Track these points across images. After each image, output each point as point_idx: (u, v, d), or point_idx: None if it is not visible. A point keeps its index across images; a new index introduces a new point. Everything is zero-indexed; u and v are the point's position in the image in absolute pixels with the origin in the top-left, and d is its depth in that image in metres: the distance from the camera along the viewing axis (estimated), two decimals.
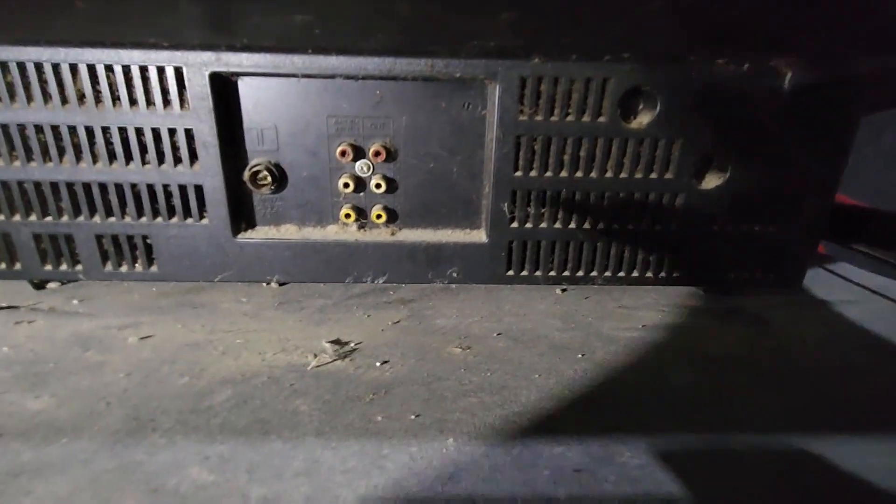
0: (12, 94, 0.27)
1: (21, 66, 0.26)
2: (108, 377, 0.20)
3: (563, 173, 0.30)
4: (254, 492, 0.14)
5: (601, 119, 0.29)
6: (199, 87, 0.27)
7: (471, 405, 0.19)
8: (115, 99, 0.27)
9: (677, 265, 0.33)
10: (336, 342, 0.26)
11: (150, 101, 0.27)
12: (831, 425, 0.18)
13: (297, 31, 0.24)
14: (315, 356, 0.24)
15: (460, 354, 0.24)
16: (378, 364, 0.23)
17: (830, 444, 0.17)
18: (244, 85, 0.28)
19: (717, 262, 0.33)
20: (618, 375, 0.22)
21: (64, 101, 0.27)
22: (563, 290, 0.35)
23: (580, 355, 0.24)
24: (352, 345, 0.25)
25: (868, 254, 0.37)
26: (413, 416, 0.18)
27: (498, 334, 0.27)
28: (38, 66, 0.26)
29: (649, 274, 0.34)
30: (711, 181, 0.31)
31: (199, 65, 0.26)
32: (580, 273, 0.33)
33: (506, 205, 0.31)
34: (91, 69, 0.26)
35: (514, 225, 0.31)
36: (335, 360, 0.24)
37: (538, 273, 0.33)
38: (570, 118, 0.29)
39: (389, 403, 0.19)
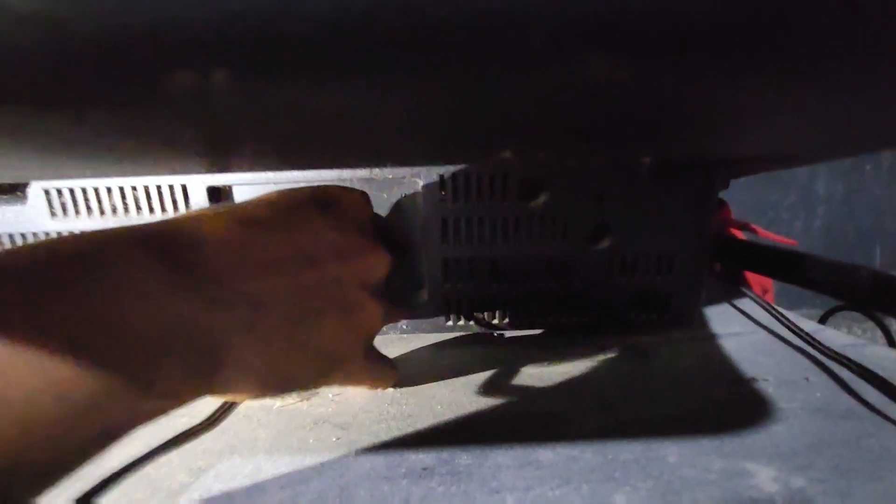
0: (66, 211, 0.37)
1: (71, 191, 0.36)
2: None
3: (483, 244, 0.38)
4: (214, 487, 0.22)
5: (505, 202, 0.37)
6: (199, 197, 0.36)
7: (379, 430, 0.27)
8: (138, 208, 0.37)
9: (584, 312, 0.41)
10: None
11: (163, 208, 0.37)
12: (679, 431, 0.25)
13: (266, 158, 0.34)
14: (282, 399, 0.32)
15: (391, 393, 0.32)
16: (329, 397, 0.31)
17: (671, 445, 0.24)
18: (238, 190, 0.37)
19: (618, 308, 0.41)
20: (498, 403, 0.29)
21: (101, 212, 0.37)
22: (499, 335, 0.43)
23: (481, 390, 0.31)
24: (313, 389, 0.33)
25: (744, 292, 0.44)
26: (335, 439, 0.26)
27: (429, 374, 0.35)
28: (84, 190, 0.36)
29: (564, 320, 0.41)
30: (603, 243, 0.39)
31: (199, 182, 0.36)
32: (506, 321, 0.41)
33: (439, 270, 0.39)
34: (121, 189, 0.36)
35: (448, 285, 0.40)
36: (298, 402, 0.32)
37: (472, 323, 0.41)
38: (482, 202, 0.37)
39: (322, 430, 0.27)
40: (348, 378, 0.27)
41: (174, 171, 0.35)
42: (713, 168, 0.37)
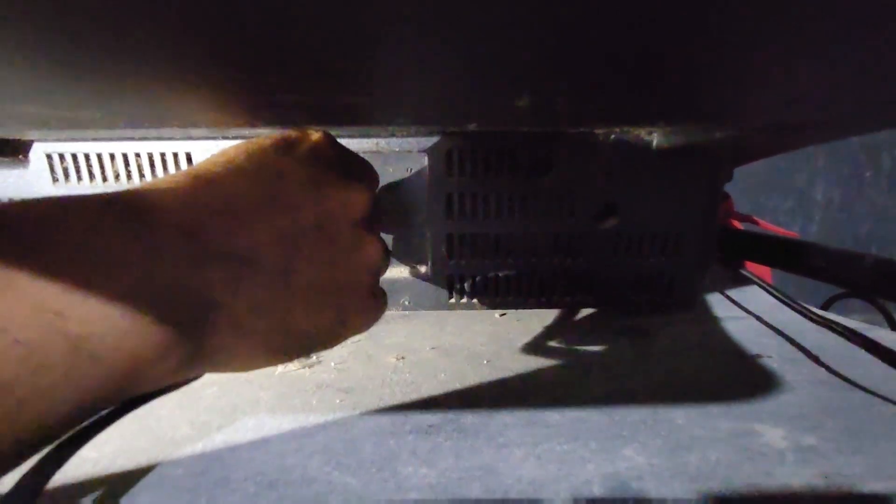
0: (67, 176, 0.36)
1: (74, 156, 0.36)
2: None
3: (488, 221, 0.38)
4: (217, 440, 0.21)
5: (512, 178, 0.37)
6: None
7: (384, 393, 0.26)
8: (141, 175, 0.36)
9: (587, 292, 0.41)
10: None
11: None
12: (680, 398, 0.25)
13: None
14: (283, 366, 0.32)
15: (394, 363, 0.32)
16: (332, 366, 0.31)
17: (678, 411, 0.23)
18: None
19: (622, 289, 0.41)
20: (503, 374, 0.29)
21: (104, 178, 0.36)
22: (502, 315, 0.43)
23: (485, 361, 0.31)
24: (315, 358, 0.33)
25: (749, 277, 0.44)
26: (339, 401, 0.26)
27: (432, 348, 0.35)
28: (87, 156, 0.36)
29: (567, 299, 0.41)
30: (609, 222, 0.39)
31: (204, 150, 0.36)
32: (509, 299, 0.41)
33: (443, 246, 0.39)
34: (124, 156, 0.36)
35: (452, 262, 0.39)
36: (299, 369, 0.31)
37: (475, 301, 0.41)
38: (488, 177, 0.37)
39: (325, 394, 0.26)
40: (363, 327, 0.23)
41: (179, 134, 0.35)
42: (722, 148, 0.37)
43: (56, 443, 0.17)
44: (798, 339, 0.34)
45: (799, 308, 0.38)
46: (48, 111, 0.24)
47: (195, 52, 0.18)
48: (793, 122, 0.34)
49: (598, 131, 0.36)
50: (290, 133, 0.23)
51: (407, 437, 0.22)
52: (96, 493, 0.18)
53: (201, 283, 0.16)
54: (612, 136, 0.36)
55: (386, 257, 0.24)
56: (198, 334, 0.16)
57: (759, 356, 0.31)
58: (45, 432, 0.13)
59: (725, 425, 0.22)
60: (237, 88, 0.22)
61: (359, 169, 0.24)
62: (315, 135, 0.23)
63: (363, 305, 0.22)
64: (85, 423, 0.17)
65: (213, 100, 0.23)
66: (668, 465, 0.19)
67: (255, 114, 0.26)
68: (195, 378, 0.19)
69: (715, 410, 0.23)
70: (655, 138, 0.37)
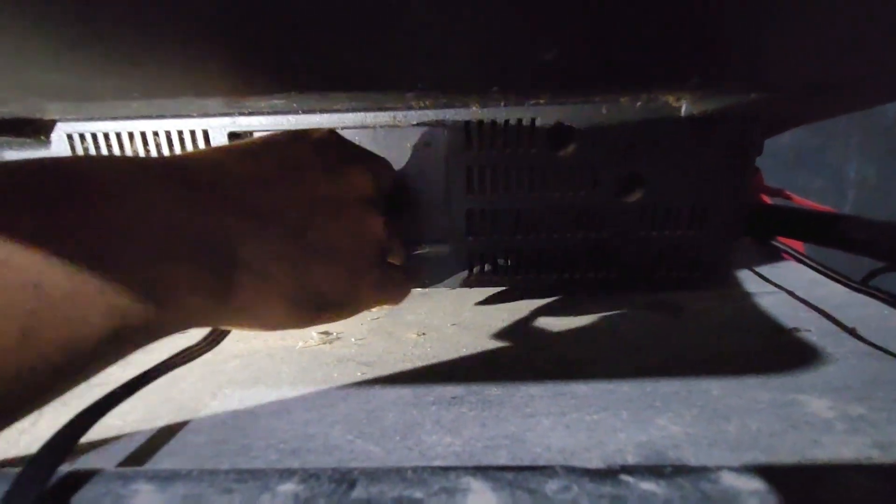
0: None
1: (94, 136, 0.36)
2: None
3: (508, 195, 0.37)
4: (240, 410, 0.21)
5: (533, 150, 0.36)
6: (220, 142, 0.36)
7: (405, 367, 0.26)
8: (160, 155, 0.36)
9: (612, 268, 0.40)
10: (324, 332, 0.33)
11: None
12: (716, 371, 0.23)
13: (285, 104, 0.33)
14: (304, 342, 0.31)
15: (415, 338, 0.31)
16: (352, 341, 0.30)
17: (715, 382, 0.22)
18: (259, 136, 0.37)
19: (647, 264, 0.39)
20: (527, 349, 0.28)
21: None
22: (523, 290, 0.42)
23: (507, 336, 0.30)
24: (335, 334, 0.33)
25: (784, 251, 0.42)
26: (360, 374, 0.25)
27: (452, 324, 0.34)
28: (106, 135, 0.36)
29: (590, 275, 0.40)
30: (634, 195, 0.38)
31: (220, 127, 0.36)
32: (531, 276, 0.40)
33: (462, 222, 0.38)
34: (143, 135, 0.36)
35: (470, 238, 0.39)
36: (320, 344, 0.31)
37: (495, 278, 0.40)
38: (508, 151, 0.36)
39: (346, 367, 0.26)
40: (375, 299, 0.25)
41: (195, 111, 0.34)
42: (754, 115, 0.36)
43: (82, 409, 0.17)
44: (839, 309, 0.32)
45: (841, 279, 0.36)
46: (61, 79, 0.24)
47: (209, 12, 0.17)
48: (833, 81, 0.32)
49: (624, 99, 0.35)
50: (300, 129, 0.27)
51: (430, 408, 0.21)
52: (120, 459, 0.18)
53: (226, 232, 0.18)
54: (639, 104, 0.35)
55: (391, 236, 0.26)
56: (226, 275, 0.17)
57: (796, 329, 0.30)
58: (75, 358, 0.14)
59: (765, 396, 0.21)
60: (252, 53, 0.22)
61: (362, 157, 0.28)
62: (318, 130, 0.27)
63: (374, 277, 0.24)
64: (112, 389, 0.17)
65: (227, 65, 0.23)
66: (705, 433, 0.18)
67: (272, 80, 0.25)
68: (222, 337, 0.23)
69: (752, 382, 0.22)
70: (685, 105, 0.35)
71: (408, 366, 0.26)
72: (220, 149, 0.21)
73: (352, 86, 0.28)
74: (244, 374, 0.25)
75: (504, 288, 0.41)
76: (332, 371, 0.26)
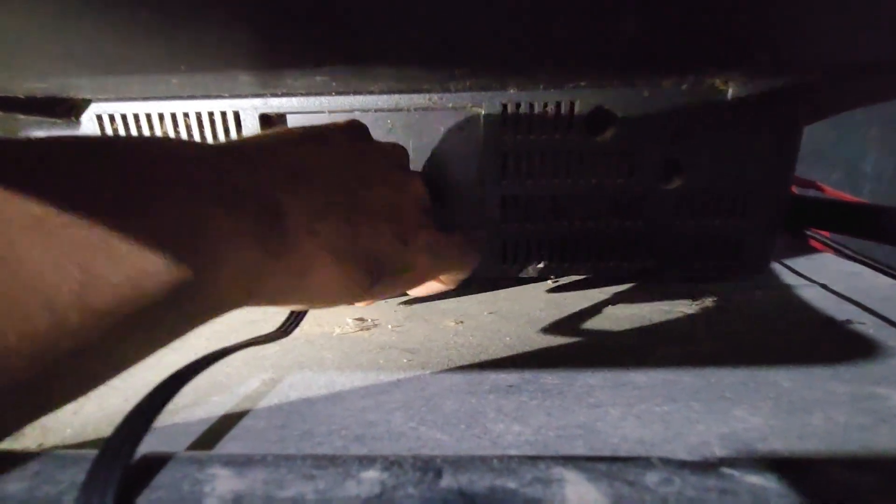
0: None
1: (124, 116, 0.35)
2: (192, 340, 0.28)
3: (544, 181, 0.36)
4: (292, 395, 0.20)
5: (571, 135, 0.35)
6: (251, 124, 0.35)
7: (450, 354, 0.25)
8: (190, 136, 0.35)
9: (649, 257, 0.39)
10: (359, 319, 0.32)
11: (215, 136, 0.35)
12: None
13: (319, 83, 0.32)
14: (341, 328, 0.31)
15: (454, 326, 0.31)
16: (389, 328, 0.30)
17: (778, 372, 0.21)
18: (291, 119, 0.36)
19: (685, 254, 0.38)
20: (570, 338, 0.27)
21: None
22: (555, 281, 0.41)
23: (548, 325, 0.30)
24: (370, 321, 0.32)
25: (821, 241, 0.41)
26: (406, 360, 0.25)
27: (489, 313, 0.33)
28: (136, 116, 0.35)
29: (626, 265, 0.39)
30: (674, 182, 0.36)
31: (251, 108, 0.35)
32: (566, 265, 0.39)
33: (497, 209, 0.37)
34: (173, 116, 0.35)
35: (505, 226, 0.38)
36: (357, 331, 0.30)
37: (529, 267, 0.39)
38: (545, 135, 0.35)
39: (390, 354, 0.25)
40: (432, 259, 0.23)
41: (226, 92, 0.34)
42: (800, 95, 0.34)
43: (154, 387, 0.16)
44: (891, 301, 0.31)
45: (889, 270, 0.35)
46: (106, 48, 0.23)
47: None
48: (882, 64, 0.31)
49: (667, 82, 0.34)
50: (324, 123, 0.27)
51: (488, 396, 0.20)
52: (184, 444, 0.17)
53: (273, 182, 0.18)
54: (684, 87, 0.34)
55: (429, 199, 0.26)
56: (272, 224, 0.17)
57: (848, 321, 0.29)
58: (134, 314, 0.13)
59: (841, 388, 0.20)
60: (297, 23, 0.21)
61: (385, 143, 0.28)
62: (343, 121, 0.28)
63: (425, 239, 0.23)
64: (179, 369, 0.16)
65: (270, 35, 0.22)
66: (789, 426, 0.17)
67: (313, 52, 0.25)
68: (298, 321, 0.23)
69: (821, 373, 0.21)
70: (731, 88, 0.34)
71: (453, 353, 0.26)
72: (265, 133, 0.22)
73: (393, 62, 0.27)
74: (287, 359, 0.25)
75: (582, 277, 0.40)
76: (377, 357, 0.25)
